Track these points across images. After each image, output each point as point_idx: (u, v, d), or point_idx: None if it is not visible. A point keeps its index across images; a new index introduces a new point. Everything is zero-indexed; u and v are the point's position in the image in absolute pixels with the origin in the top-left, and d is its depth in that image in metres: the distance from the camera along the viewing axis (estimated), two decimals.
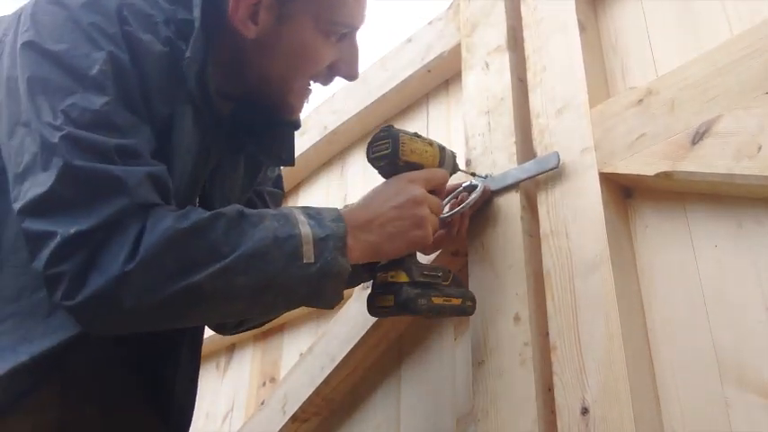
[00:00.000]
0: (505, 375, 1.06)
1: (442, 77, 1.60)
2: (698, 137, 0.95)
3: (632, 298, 1.00)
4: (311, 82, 1.09)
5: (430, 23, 1.62)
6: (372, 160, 1.08)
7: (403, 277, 1.02)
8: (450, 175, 1.15)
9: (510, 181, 1.19)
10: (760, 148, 0.88)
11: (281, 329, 1.81)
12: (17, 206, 0.83)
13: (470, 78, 1.39)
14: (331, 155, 1.89)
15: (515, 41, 1.34)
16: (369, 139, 1.09)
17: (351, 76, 1.10)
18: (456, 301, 1.06)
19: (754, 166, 0.88)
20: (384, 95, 1.68)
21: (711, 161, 0.93)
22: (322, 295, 0.93)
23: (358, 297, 1.43)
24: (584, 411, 0.94)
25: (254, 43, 1.01)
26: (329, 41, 1.04)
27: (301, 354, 1.58)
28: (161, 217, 0.83)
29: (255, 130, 1.12)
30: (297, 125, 1.18)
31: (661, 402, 0.93)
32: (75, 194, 0.81)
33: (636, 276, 1.02)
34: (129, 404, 1.00)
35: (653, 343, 0.97)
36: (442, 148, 1.13)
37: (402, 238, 1.00)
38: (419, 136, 1.09)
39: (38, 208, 0.81)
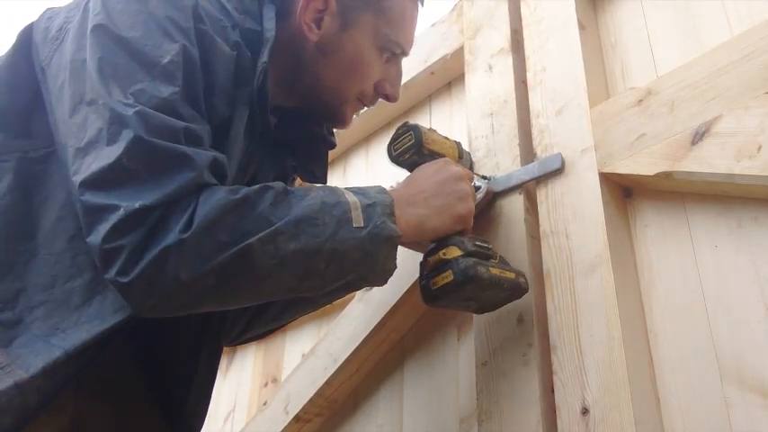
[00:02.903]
0: (509, 376, 1.06)
1: (445, 79, 1.60)
2: (698, 137, 0.96)
3: (632, 298, 1.00)
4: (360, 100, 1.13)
5: (433, 26, 1.63)
6: (397, 156, 1.10)
7: (456, 251, 0.99)
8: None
9: (513, 182, 1.19)
10: (760, 148, 0.88)
11: (283, 330, 1.81)
12: (78, 179, 0.82)
13: (473, 81, 1.39)
14: (333, 156, 1.89)
15: (518, 44, 1.34)
16: (386, 139, 1.11)
17: (393, 97, 1.15)
18: (511, 275, 1.01)
19: (754, 166, 0.89)
20: None
21: (711, 161, 0.93)
22: (375, 261, 0.92)
23: (361, 297, 1.43)
24: (585, 411, 0.94)
25: (315, 48, 1.07)
26: (380, 59, 1.10)
27: (303, 354, 1.58)
28: (213, 191, 0.84)
29: (295, 146, 1.15)
30: (333, 144, 1.22)
31: (661, 402, 0.93)
32: (143, 168, 0.81)
33: (636, 276, 1.02)
34: (142, 408, 1.01)
35: (653, 343, 0.97)
36: (458, 143, 1.16)
37: (448, 211, 1.00)
38: (434, 131, 1.12)
39: (101, 181, 0.81)
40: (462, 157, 1.16)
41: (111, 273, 0.79)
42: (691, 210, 0.99)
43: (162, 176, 0.81)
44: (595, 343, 0.96)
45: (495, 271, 0.98)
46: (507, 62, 1.32)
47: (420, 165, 1.07)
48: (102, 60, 0.87)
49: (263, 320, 1.27)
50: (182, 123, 0.85)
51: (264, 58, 0.99)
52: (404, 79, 1.62)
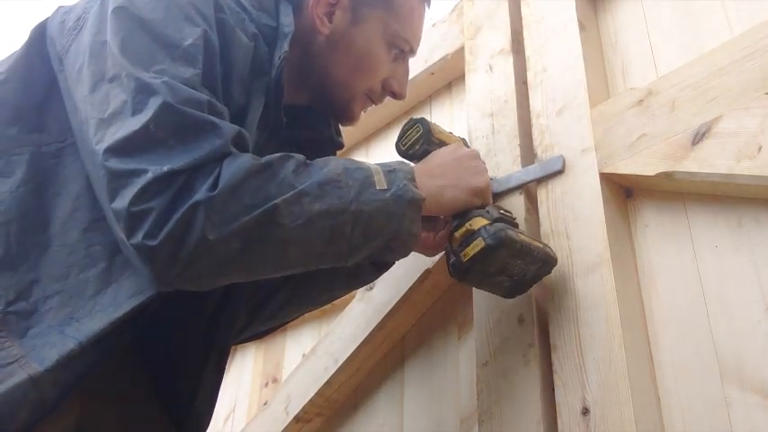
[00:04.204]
0: (509, 376, 1.06)
1: (445, 80, 1.60)
2: (698, 137, 0.96)
3: (632, 298, 1.00)
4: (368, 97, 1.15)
5: (433, 26, 1.63)
6: (406, 150, 1.12)
7: (482, 221, 0.98)
8: None
9: (514, 184, 1.19)
10: (760, 149, 0.88)
11: (283, 330, 1.81)
12: (101, 147, 0.82)
13: (474, 81, 1.39)
14: None
15: (519, 44, 1.34)
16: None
17: (400, 94, 1.16)
18: (539, 243, 1.00)
19: (754, 166, 0.89)
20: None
21: (712, 161, 0.93)
22: (400, 224, 0.92)
23: (361, 297, 1.43)
24: (585, 411, 0.94)
25: (325, 43, 1.09)
26: (389, 55, 1.12)
27: (304, 354, 1.58)
28: (237, 156, 0.84)
29: (303, 145, 1.14)
30: (340, 145, 1.23)
31: (661, 402, 0.93)
32: (170, 134, 0.82)
33: (636, 276, 1.02)
34: (148, 409, 1.01)
35: (653, 343, 0.97)
36: (463, 138, 1.19)
37: (465, 183, 1.02)
38: (438, 125, 1.15)
39: (127, 147, 0.81)
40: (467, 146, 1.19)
41: (138, 236, 0.78)
42: (691, 210, 0.99)
43: (190, 142, 0.82)
44: (595, 343, 0.96)
45: (524, 237, 0.97)
46: (508, 62, 1.32)
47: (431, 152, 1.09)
48: (125, 39, 0.87)
49: (263, 316, 1.27)
50: (206, 97, 0.86)
51: (286, 47, 1.01)
52: None
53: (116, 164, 0.80)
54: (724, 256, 0.94)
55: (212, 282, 0.87)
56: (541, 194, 1.14)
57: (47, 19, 1.00)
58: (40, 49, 0.97)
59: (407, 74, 1.18)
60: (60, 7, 1.01)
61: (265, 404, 1.59)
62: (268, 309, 1.27)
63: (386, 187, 0.92)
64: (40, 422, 0.80)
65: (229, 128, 0.86)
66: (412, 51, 1.16)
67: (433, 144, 1.10)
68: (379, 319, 1.36)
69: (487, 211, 1.01)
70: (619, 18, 1.24)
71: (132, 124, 0.81)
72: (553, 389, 1.00)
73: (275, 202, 0.83)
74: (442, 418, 1.27)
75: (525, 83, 1.29)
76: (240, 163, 0.83)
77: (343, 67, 1.10)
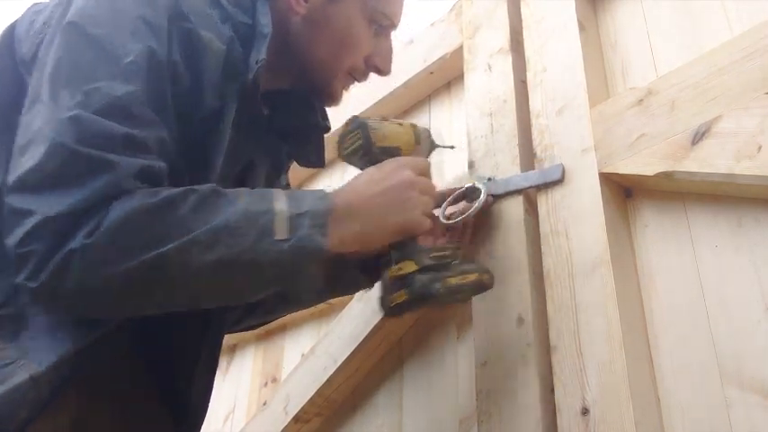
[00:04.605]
0: (508, 376, 1.06)
1: (444, 79, 1.60)
2: (698, 137, 0.96)
3: (632, 298, 1.00)
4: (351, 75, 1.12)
5: (432, 25, 1.63)
6: (346, 157, 1.04)
7: (411, 266, 0.95)
8: (429, 153, 1.11)
9: (512, 188, 1.18)
10: (760, 149, 0.88)
11: (282, 330, 1.82)
12: (9, 178, 0.82)
13: (473, 80, 1.39)
14: (331, 156, 1.89)
15: (518, 44, 1.34)
16: (338, 137, 1.06)
17: (384, 70, 1.13)
18: (472, 277, 0.98)
19: (754, 166, 0.88)
20: (386, 97, 1.68)
21: (711, 161, 0.93)
22: (297, 276, 0.87)
23: (360, 297, 1.43)
24: (585, 412, 0.94)
25: (303, 22, 1.06)
26: (370, 31, 1.08)
27: (303, 354, 1.58)
28: (131, 196, 0.81)
29: (289, 132, 1.14)
30: (327, 128, 1.21)
31: (661, 402, 0.93)
32: (63, 173, 0.79)
33: (636, 276, 1.02)
34: (143, 404, 1.01)
35: (653, 343, 0.97)
36: (413, 126, 1.08)
37: (392, 223, 0.94)
38: (386, 119, 1.06)
39: (23, 184, 0.80)
40: (420, 142, 1.08)
41: (22, 276, 0.78)
42: (691, 210, 0.99)
43: (80, 183, 0.79)
44: (595, 343, 0.96)
45: (452, 281, 0.95)
46: (507, 62, 1.32)
47: (372, 165, 1.00)
48: (61, 60, 0.86)
49: (256, 315, 1.28)
50: (122, 129, 0.82)
51: (262, 55, 0.98)
52: (402, 79, 1.64)
53: (12, 200, 0.80)
54: (724, 256, 0.94)
55: (106, 315, 0.86)
56: (541, 195, 1.14)
57: (17, 19, 0.98)
58: (10, 48, 0.95)
59: (391, 49, 1.13)
60: (34, 5, 1.00)
61: (264, 404, 1.59)
62: (259, 310, 1.27)
63: (286, 237, 0.84)
64: (35, 421, 0.80)
65: (130, 165, 0.81)
66: (394, 26, 1.13)
67: (374, 155, 1.01)
68: (378, 318, 1.36)
69: (419, 254, 0.96)
70: (619, 18, 1.24)
71: (32, 159, 0.80)
72: (552, 389, 1.00)
73: (162, 250, 0.79)
74: (440, 419, 1.27)
75: (524, 82, 1.29)
76: (130, 204, 0.79)
77: (322, 46, 1.07)
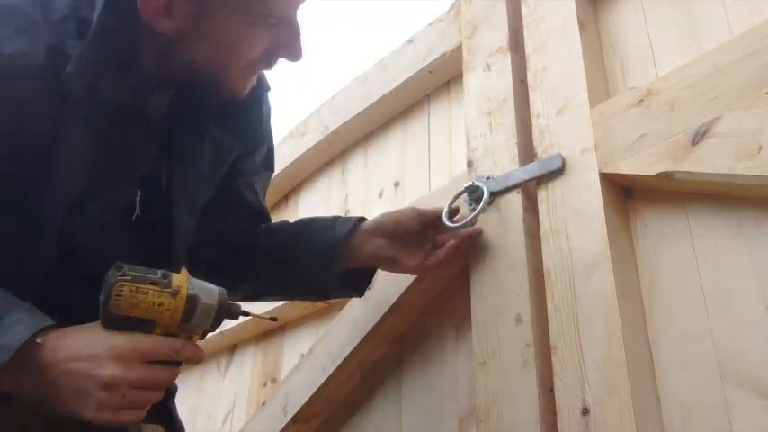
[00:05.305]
0: (507, 376, 1.06)
1: (443, 78, 1.60)
2: (698, 137, 0.96)
3: (632, 298, 1.00)
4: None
5: (431, 24, 1.63)
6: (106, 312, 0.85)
7: None
8: (215, 324, 0.90)
9: (512, 182, 1.19)
10: (760, 149, 0.88)
11: (282, 330, 1.82)
12: None
13: (472, 80, 1.39)
14: (332, 156, 1.90)
15: (517, 43, 1.34)
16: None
17: (293, 57, 1.01)
18: None
19: (754, 166, 0.89)
20: (385, 96, 1.68)
21: (712, 161, 0.93)
22: None
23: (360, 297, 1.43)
24: (585, 411, 0.94)
25: (176, 39, 0.94)
26: (256, 31, 0.96)
27: (302, 354, 1.58)
28: None
29: (213, 113, 1.05)
30: (261, 100, 1.12)
31: (661, 402, 0.93)
32: None
33: (636, 276, 1.02)
34: None
35: (653, 343, 0.97)
36: (191, 300, 0.86)
37: (60, 403, 0.83)
38: (166, 277, 0.85)
39: None
40: (192, 318, 0.87)
41: None
42: (691, 210, 0.99)
43: None
44: (595, 343, 0.96)
45: None
46: (505, 61, 1.32)
47: (115, 327, 0.85)
48: None
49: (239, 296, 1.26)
50: None
51: (71, 67, 0.88)
52: (401, 78, 1.64)
53: None
54: (724, 256, 0.94)
55: None
56: (541, 194, 1.14)
57: None
58: None
59: (297, 32, 0.99)
60: None
61: (264, 404, 1.59)
62: (243, 291, 1.27)
63: None
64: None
65: None
66: (290, 16, 0.98)
67: (116, 322, 0.85)
68: (377, 319, 1.36)
69: None
70: (619, 18, 1.24)
71: None
72: (552, 389, 1.00)
73: None
74: (440, 419, 1.27)
75: (523, 81, 1.29)
76: None
77: (206, 58, 0.96)
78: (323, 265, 1.21)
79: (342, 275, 1.23)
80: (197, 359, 0.91)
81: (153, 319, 0.85)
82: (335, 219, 1.26)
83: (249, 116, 1.12)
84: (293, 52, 1.00)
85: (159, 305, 0.85)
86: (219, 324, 0.91)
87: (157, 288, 0.85)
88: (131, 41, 0.95)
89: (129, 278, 0.83)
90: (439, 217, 1.20)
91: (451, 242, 1.18)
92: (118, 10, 0.91)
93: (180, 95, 1.03)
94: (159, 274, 0.85)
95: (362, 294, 1.28)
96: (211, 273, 1.13)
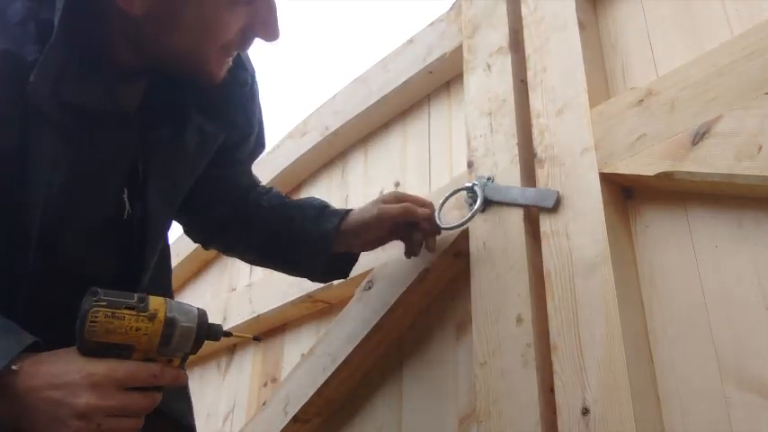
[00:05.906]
0: (508, 376, 1.06)
1: (443, 78, 1.60)
2: (698, 137, 0.96)
3: (632, 298, 1.00)
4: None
5: (431, 24, 1.63)
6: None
7: None
8: (197, 347, 0.89)
9: (509, 200, 1.18)
10: (760, 149, 0.88)
11: (282, 330, 1.82)
12: None
13: (472, 80, 1.39)
14: (332, 156, 1.90)
15: (517, 43, 1.34)
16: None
17: (270, 36, 0.98)
18: None
19: (754, 166, 0.88)
20: (385, 96, 1.68)
21: (712, 161, 0.93)
22: None
23: (360, 298, 1.43)
24: (585, 411, 0.94)
25: (149, 19, 0.90)
26: (231, 9, 0.92)
27: (303, 354, 1.58)
28: None
29: (192, 100, 1.03)
30: (243, 83, 1.09)
31: (661, 402, 0.93)
32: None
33: (636, 276, 1.02)
34: None
35: (653, 343, 0.97)
36: (170, 323, 0.85)
37: (33, 428, 0.81)
38: (142, 301, 0.85)
39: None
40: (171, 342, 0.86)
41: None
42: (691, 210, 0.99)
43: None
44: (596, 343, 0.96)
45: None
46: (506, 61, 1.32)
47: (92, 353, 0.83)
48: None
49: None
50: None
51: (33, 76, 0.85)
52: (401, 78, 1.64)
53: None
54: (724, 256, 0.94)
55: None
56: None
57: None
58: None
59: (273, 10, 0.96)
60: None
61: (264, 404, 1.59)
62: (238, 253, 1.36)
63: None
64: None
65: None
66: None
67: (92, 349, 0.83)
68: (378, 319, 1.36)
69: None
70: (619, 18, 1.24)
71: None
72: (552, 389, 1.00)
73: None
74: (440, 419, 1.27)
75: (524, 82, 1.29)
76: None
77: (181, 40, 0.93)
78: (312, 255, 1.27)
79: (327, 261, 1.27)
80: (178, 383, 0.90)
81: (131, 344, 0.84)
82: (322, 210, 1.30)
83: (232, 101, 1.09)
84: (269, 31, 0.97)
85: (136, 330, 0.84)
86: (201, 346, 0.89)
87: (134, 312, 0.84)
88: (100, 35, 0.93)
89: (105, 303, 0.82)
90: (427, 218, 1.24)
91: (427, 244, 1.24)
92: (81, 3, 0.88)
93: (154, 86, 1.01)
94: (136, 298, 0.84)
95: (347, 276, 1.34)
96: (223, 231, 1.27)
